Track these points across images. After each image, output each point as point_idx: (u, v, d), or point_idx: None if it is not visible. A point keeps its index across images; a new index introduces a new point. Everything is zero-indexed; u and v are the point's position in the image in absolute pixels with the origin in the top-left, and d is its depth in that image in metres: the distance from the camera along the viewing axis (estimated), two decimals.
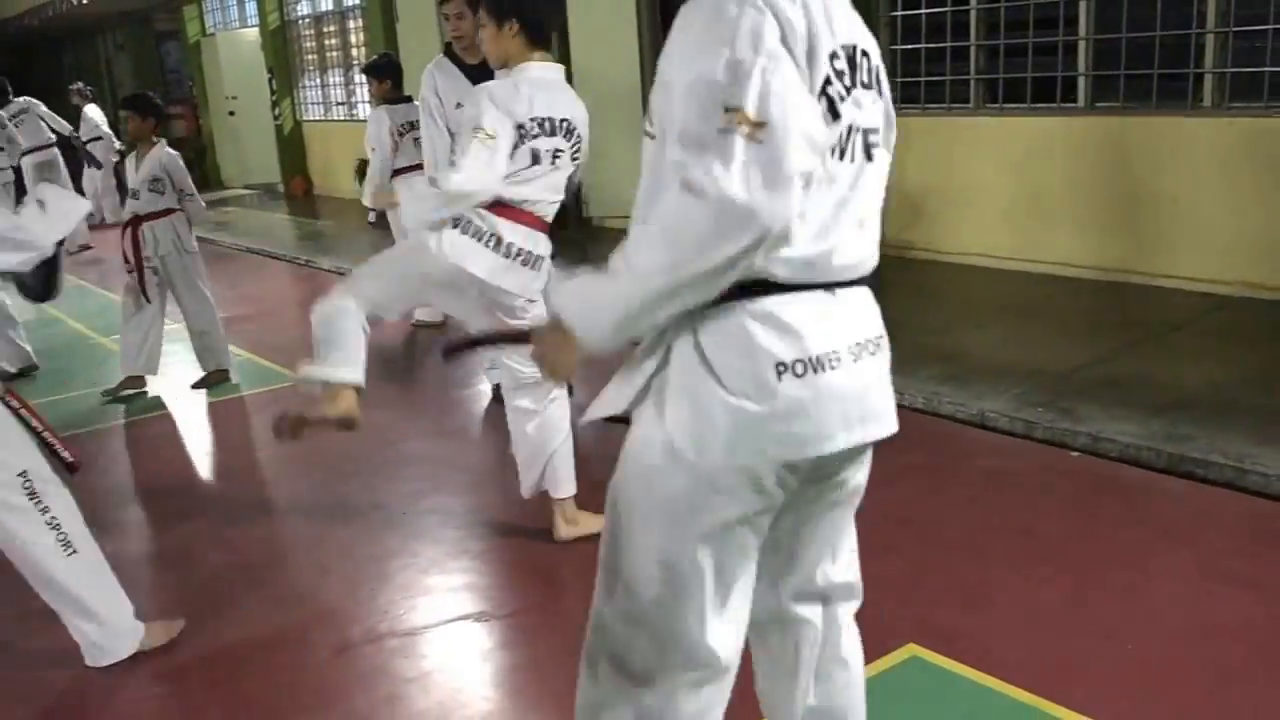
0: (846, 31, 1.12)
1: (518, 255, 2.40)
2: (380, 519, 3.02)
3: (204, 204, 4.42)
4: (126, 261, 4.26)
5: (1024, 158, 5.05)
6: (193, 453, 3.85)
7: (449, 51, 3.68)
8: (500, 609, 2.47)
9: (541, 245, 2.46)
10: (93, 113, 9.39)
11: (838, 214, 1.13)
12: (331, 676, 2.25)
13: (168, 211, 4.22)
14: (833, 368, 1.14)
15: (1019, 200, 5.09)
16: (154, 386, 4.46)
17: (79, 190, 9.20)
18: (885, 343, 1.23)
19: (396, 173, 4.73)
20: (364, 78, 5.57)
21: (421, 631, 2.38)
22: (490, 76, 3.61)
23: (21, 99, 8.13)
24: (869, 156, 1.16)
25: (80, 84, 9.79)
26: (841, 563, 1.35)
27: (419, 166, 4.28)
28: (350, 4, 10.16)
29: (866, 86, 1.14)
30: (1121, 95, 4.73)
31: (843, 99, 1.10)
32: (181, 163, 4.28)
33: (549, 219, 2.48)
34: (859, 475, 1.30)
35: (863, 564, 1.31)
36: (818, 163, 1.06)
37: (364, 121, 5.42)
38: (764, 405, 1.12)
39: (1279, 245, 4.25)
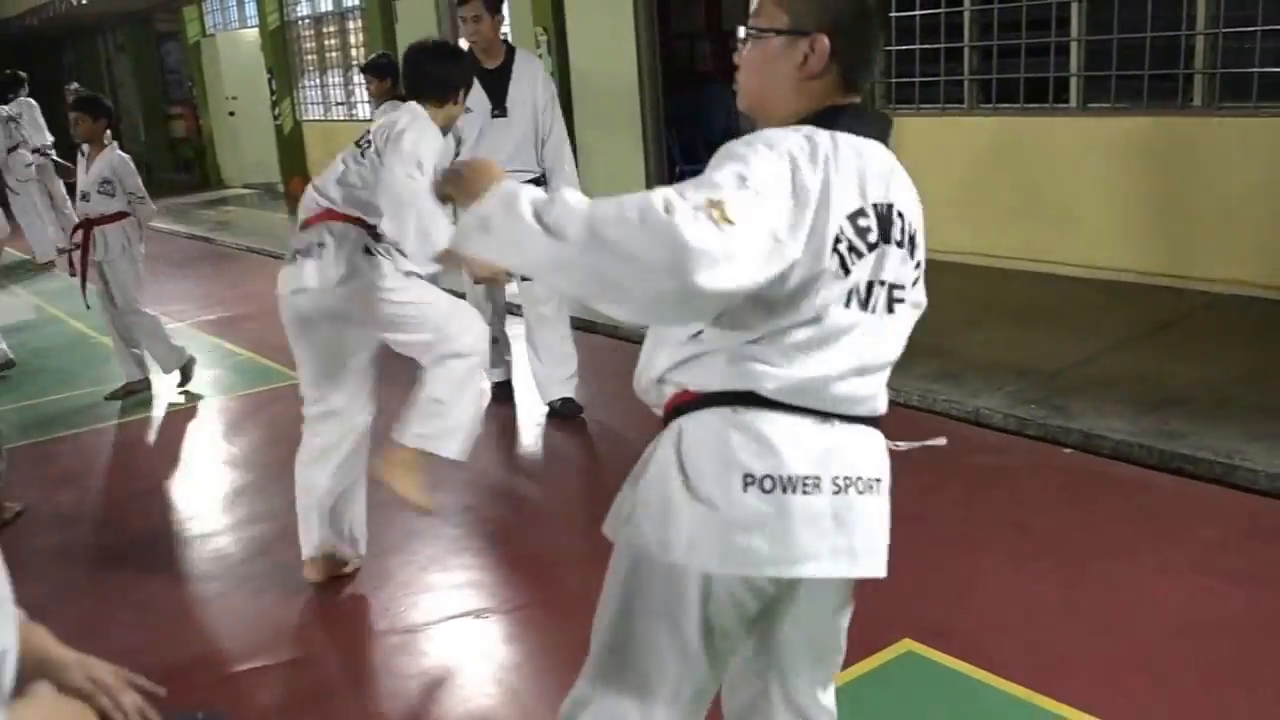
0: (883, 193, 1.15)
1: (291, 257, 2.48)
2: (380, 517, 3.04)
3: (154, 207, 4.36)
4: (71, 265, 4.24)
5: (1017, 158, 5.08)
6: (193, 450, 3.87)
7: (470, 53, 3.64)
8: (500, 605, 2.49)
9: (311, 235, 2.45)
10: None
11: (839, 351, 1.15)
12: (332, 673, 2.28)
13: (119, 216, 4.17)
14: (806, 492, 1.15)
15: (1012, 199, 5.12)
16: (154, 385, 4.49)
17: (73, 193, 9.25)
18: (884, 486, 1.23)
19: None
20: (363, 77, 5.59)
21: (422, 628, 2.40)
22: (505, 80, 3.57)
23: (20, 101, 8.16)
24: (890, 309, 1.18)
25: (76, 85, 9.84)
26: (831, 692, 1.38)
27: None
28: (350, 5, 10.17)
29: (899, 245, 1.17)
30: (1113, 96, 4.75)
31: (860, 255, 1.13)
32: (132, 165, 4.23)
33: (330, 208, 2.46)
34: (841, 610, 1.31)
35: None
36: (762, 281, 1.06)
37: (364, 121, 5.45)
38: (723, 512, 1.14)
39: (1268, 243, 4.29)
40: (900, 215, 1.18)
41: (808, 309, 1.12)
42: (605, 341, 4.60)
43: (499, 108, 3.56)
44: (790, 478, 1.14)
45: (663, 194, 1.02)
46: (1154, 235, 4.64)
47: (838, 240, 1.11)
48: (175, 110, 14.41)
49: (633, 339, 4.46)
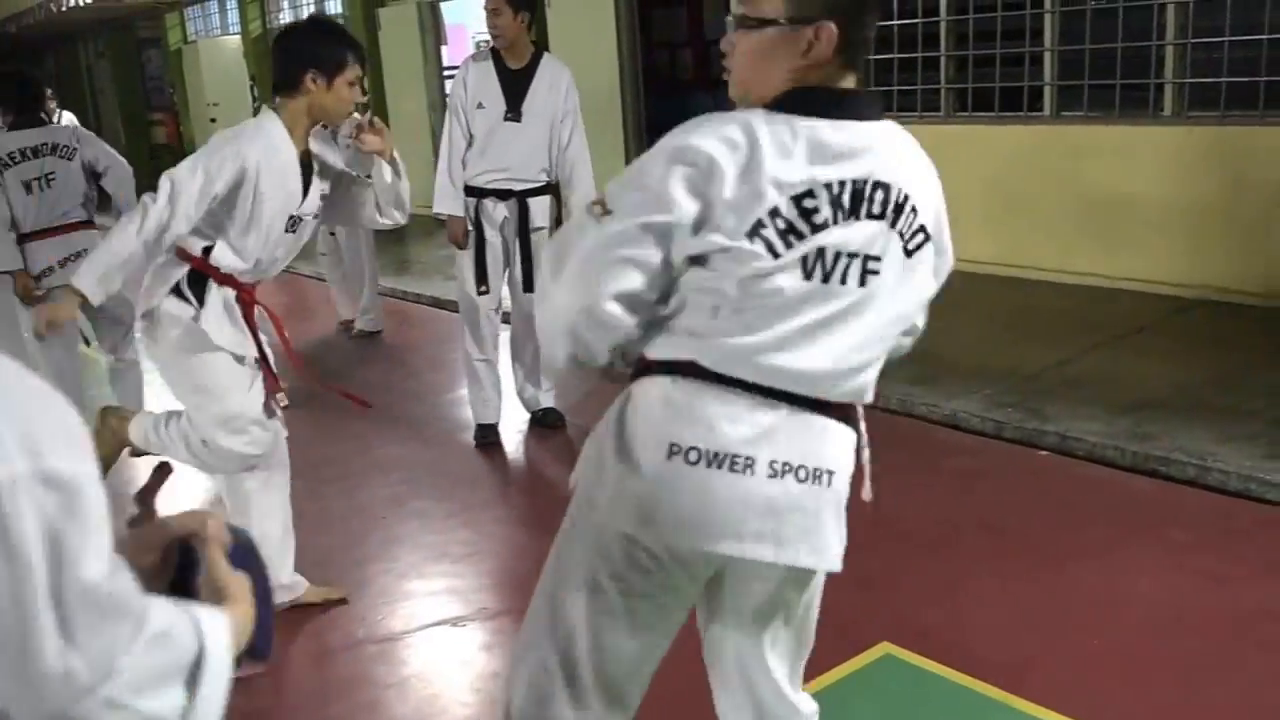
0: (850, 171, 1.14)
1: None
2: (359, 524, 3.03)
3: None
4: None
5: (993, 165, 5.14)
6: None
7: (496, 51, 3.41)
8: (479, 614, 2.49)
9: None
10: (70, 119, 9.56)
11: (786, 325, 1.13)
12: (309, 683, 2.27)
13: None
14: (735, 470, 1.13)
15: (988, 205, 5.18)
16: None
17: None
18: (839, 480, 1.20)
19: None
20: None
21: (400, 637, 2.39)
22: (526, 83, 3.41)
23: None
24: (863, 282, 1.16)
25: (49, 90, 9.90)
26: (795, 688, 1.36)
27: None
28: (333, 13, 10.17)
29: (877, 218, 1.15)
30: (1085, 105, 4.83)
31: (800, 237, 1.12)
32: None
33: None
34: (788, 597, 1.27)
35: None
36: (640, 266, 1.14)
37: None
38: (645, 477, 1.15)
39: (1237, 249, 4.36)
40: (882, 187, 1.16)
41: (731, 286, 1.12)
42: None
43: (513, 111, 3.37)
44: (718, 453, 1.14)
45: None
46: (1127, 241, 4.71)
47: (760, 225, 1.11)
48: (156, 117, 14.31)
49: None
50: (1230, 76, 4.34)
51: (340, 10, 9.90)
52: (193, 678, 0.68)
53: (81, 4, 11.77)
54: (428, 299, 5.86)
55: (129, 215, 2.09)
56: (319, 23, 2.34)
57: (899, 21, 5.39)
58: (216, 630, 0.71)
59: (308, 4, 10.57)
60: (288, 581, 2.48)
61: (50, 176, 3.46)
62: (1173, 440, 3.04)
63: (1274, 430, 3.05)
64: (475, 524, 3.03)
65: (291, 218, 2.25)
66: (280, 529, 2.45)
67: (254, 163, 2.13)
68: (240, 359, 2.27)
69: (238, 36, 11.56)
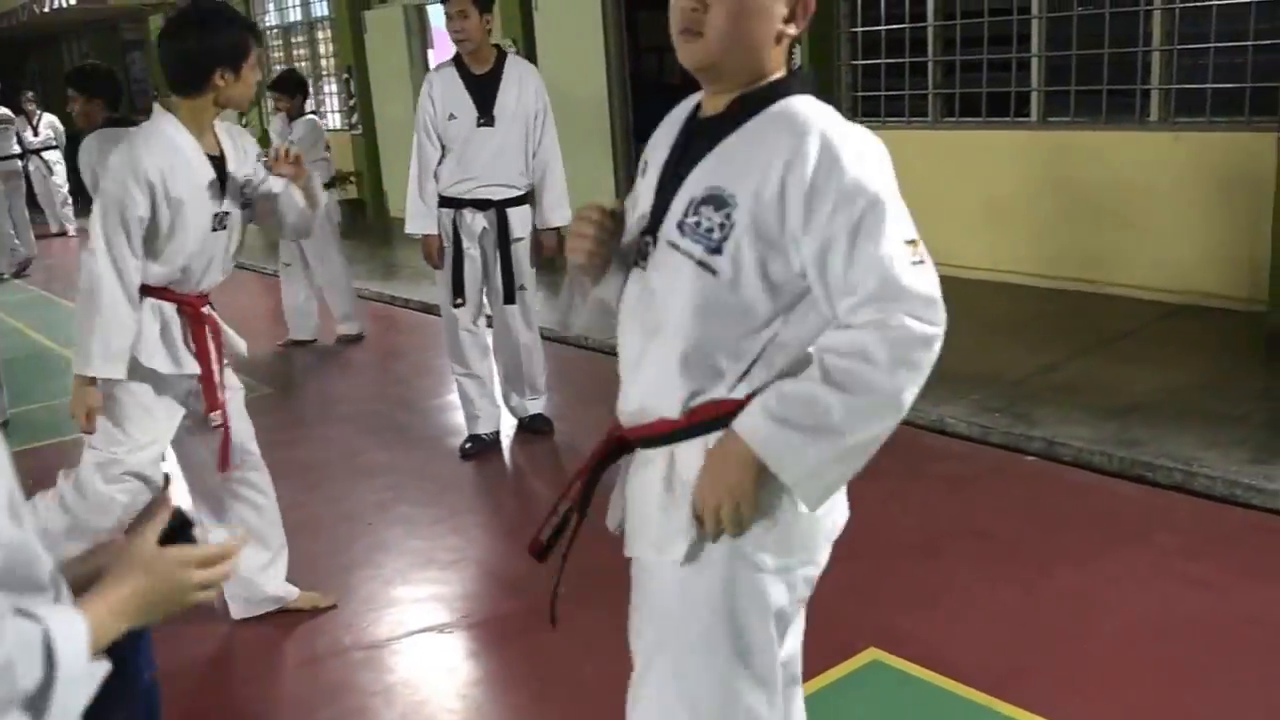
0: None
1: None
2: (345, 530, 3.01)
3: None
4: None
5: (980, 170, 5.17)
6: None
7: (458, 58, 3.38)
8: (466, 620, 2.47)
9: None
10: (52, 121, 9.56)
11: None
12: (296, 689, 2.25)
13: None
14: None
15: (976, 211, 5.20)
16: None
17: (35, 203, 9.31)
18: None
19: None
20: (275, 93, 5.38)
21: (386, 643, 2.37)
22: (494, 87, 3.37)
23: (3, 110, 8.33)
24: None
25: (30, 93, 9.89)
26: None
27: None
28: (318, 15, 10.13)
29: None
30: (1072, 110, 4.86)
31: None
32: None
33: None
34: None
35: (825, 569, 1.35)
36: None
37: (334, 131, 5.41)
38: (832, 506, 1.26)
39: (1223, 255, 4.39)
40: None
41: None
42: (574, 352, 4.59)
43: (485, 116, 3.33)
44: None
45: (886, 304, 1.16)
46: (1113, 245, 4.74)
47: None
48: (140, 119, 14.17)
49: (603, 349, 4.45)
50: (1216, 82, 4.38)
51: (326, 12, 9.86)
52: (41, 697, 0.67)
53: (66, 5, 11.68)
54: (415, 304, 5.83)
55: (84, 282, 2.06)
56: (210, 12, 2.12)
57: (886, 27, 5.42)
58: (70, 640, 0.69)
59: (294, 5, 10.53)
60: (275, 593, 2.46)
61: None
62: (1159, 445, 3.06)
63: (1259, 435, 3.07)
64: (462, 530, 3.02)
65: (216, 214, 2.15)
66: (264, 560, 2.44)
67: (156, 171, 2.05)
68: (172, 382, 2.19)
69: None
